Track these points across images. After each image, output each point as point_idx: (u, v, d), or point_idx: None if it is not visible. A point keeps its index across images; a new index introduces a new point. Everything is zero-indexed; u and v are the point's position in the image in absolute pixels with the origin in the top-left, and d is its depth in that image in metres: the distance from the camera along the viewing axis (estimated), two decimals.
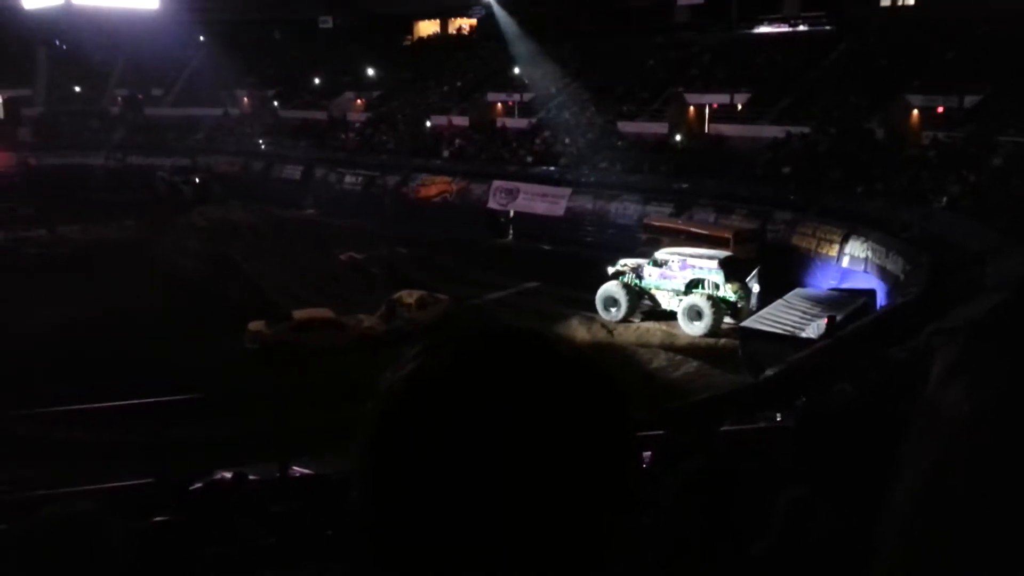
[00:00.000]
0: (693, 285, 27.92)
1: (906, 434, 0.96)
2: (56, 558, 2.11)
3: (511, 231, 41.15)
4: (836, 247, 30.09)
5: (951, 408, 0.91)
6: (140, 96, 61.39)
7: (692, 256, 28.41)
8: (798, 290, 27.39)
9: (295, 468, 13.07)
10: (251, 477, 10.96)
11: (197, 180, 50.68)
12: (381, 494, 0.90)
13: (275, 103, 59.02)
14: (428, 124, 50.83)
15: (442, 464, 0.87)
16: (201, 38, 61.55)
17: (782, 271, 29.23)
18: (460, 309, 28.23)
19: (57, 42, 61.14)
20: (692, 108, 44.77)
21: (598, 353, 25.38)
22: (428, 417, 0.89)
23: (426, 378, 0.92)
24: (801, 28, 44.27)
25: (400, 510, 0.89)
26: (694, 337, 27.01)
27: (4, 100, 59.66)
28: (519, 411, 0.89)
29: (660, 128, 43.17)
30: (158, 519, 8.74)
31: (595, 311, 28.73)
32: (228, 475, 11.14)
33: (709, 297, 27.49)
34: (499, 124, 48.95)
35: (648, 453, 7.80)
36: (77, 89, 60.79)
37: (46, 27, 57.64)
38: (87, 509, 2.29)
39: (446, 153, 47.33)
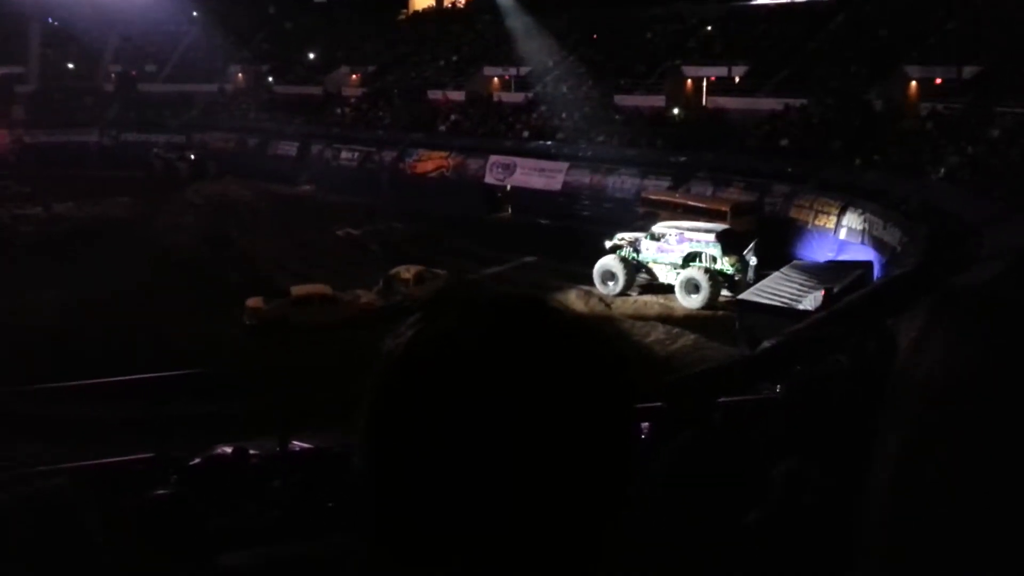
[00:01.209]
0: (690, 258, 27.95)
1: (882, 402, 0.97)
2: (27, 534, 2.08)
3: (508, 206, 41.07)
4: (833, 219, 30.05)
5: (925, 376, 0.93)
6: (134, 73, 60.92)
7: (689, 229, 28.42)
8: (795, 262, 27.42)
9: (295, 442, 13.12)
10: (251, 452, 10.96)
11: (192, 157, 50.55)
12: (382, 462, 0.90)
13: (270, 78, 58.67)
14: (425, 98, 50.59)
15: (442, 431, 0.87)
16: (195, 13, 61.00)
17: (779, 243, 29.28)
18: (456, 283, 28.24)
19: (50, 18, 60.66)
20: (689, 81, 44.56)
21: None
22: (428, 384, 0.89)
23: (425, 345, 0.92)
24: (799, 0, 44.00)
25: (401, 477, 0.89)
26: (691, 310, 27.10)
27: None
28: (520, 377, 0.88)
29: (657, 101, 42.99)
30: (158, 492, 8.76)
31: (593, 285, 28.77)
32: (228, 450, 11.14)
33: (706, 270, 27.52)
34: (496, 98, 48.73)
35: (645, 425, 7.78)
36: (70, 66, 60.42)
37: (39, 3, 57.18)
38: (59, 486, 2.29)
39: (442, 128, 47.14)
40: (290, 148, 50.33)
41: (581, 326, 0.95)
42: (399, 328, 0.95)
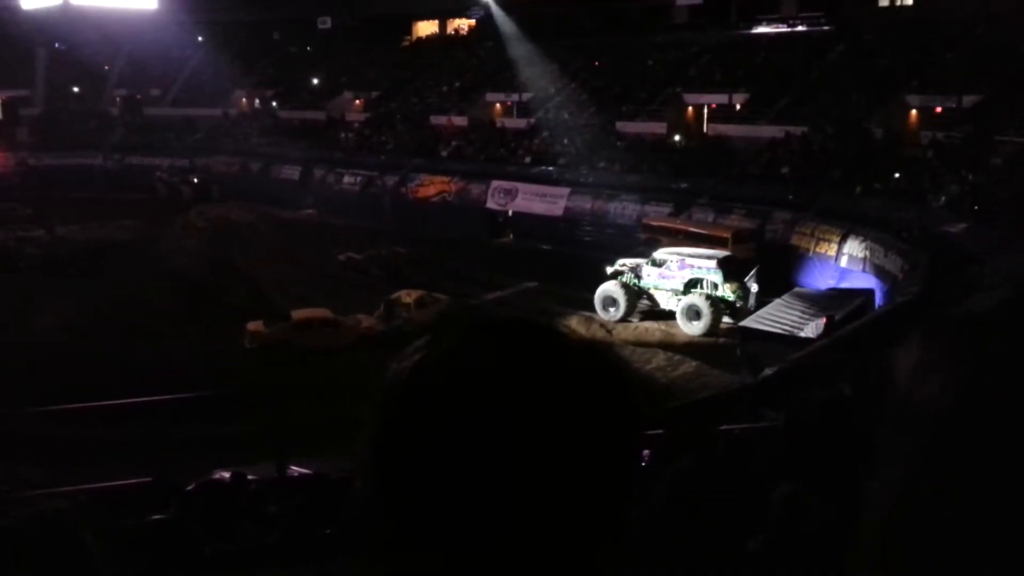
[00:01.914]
0: (692, 285, 27.94)
1: (881, 428, 0.97)
2: (27, 558, 2.08)
3: (510, 231, 41.13)
4: (835, 246, 30.10)
5: (930, 402, 0.93)
6: (139, 96, 61.34)
7: (691, 256, 28.41)
8: (796, 290, 27.40)
9: (293, 468, 13.08)
10: (249, 477, 10.96)
11: (195, 180, 50.68)
12: (387, 486, 0.90)
13: (274, 103, 58.97)
14: (428, 123, 50.82)
15: (446, 453, 0.87)
16: (200, 38, 61.50)
17: (781, 271, 29.24)
18: (457, 308, 28.22)
19: (56, 42, 61.08)
20: (691, 108, 44.76)
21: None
22: (433, 408, 0.88)
23: (431, 368, 0.91)
24: (799, 28, 44.30)
25: (405, 500, 0.88)
26: (693, 337, 27.04)
27: (3, 100, 59.46)
28: (524, 400, 0.88)
29: (659, 128, 43.15)
30: (155, 518, 8.74)
31: (594, 311, 28.75)
32: (226, 475, 11.18)
33: (708, 297, 27.50)
34: (498, 124, 48.90)
35: (646, 452, 7.84)
36: (76, 89, 60.73)
37: (45, 27, 57.57)
38: (62, 509, 2.29)
39: (445, 153, 47.31)
40: (293, 172, 50.47)
41: (587, 350, 0.95)
42: (404, 351, 0.95)
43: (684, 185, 37.26)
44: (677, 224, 33.86)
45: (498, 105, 51.07)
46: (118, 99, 61.54)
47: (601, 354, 0.95)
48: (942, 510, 0.89)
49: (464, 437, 0.86)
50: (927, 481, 0.91)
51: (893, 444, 0.95)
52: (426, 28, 63.08)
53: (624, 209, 37.96)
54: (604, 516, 0.91)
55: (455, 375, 0.89)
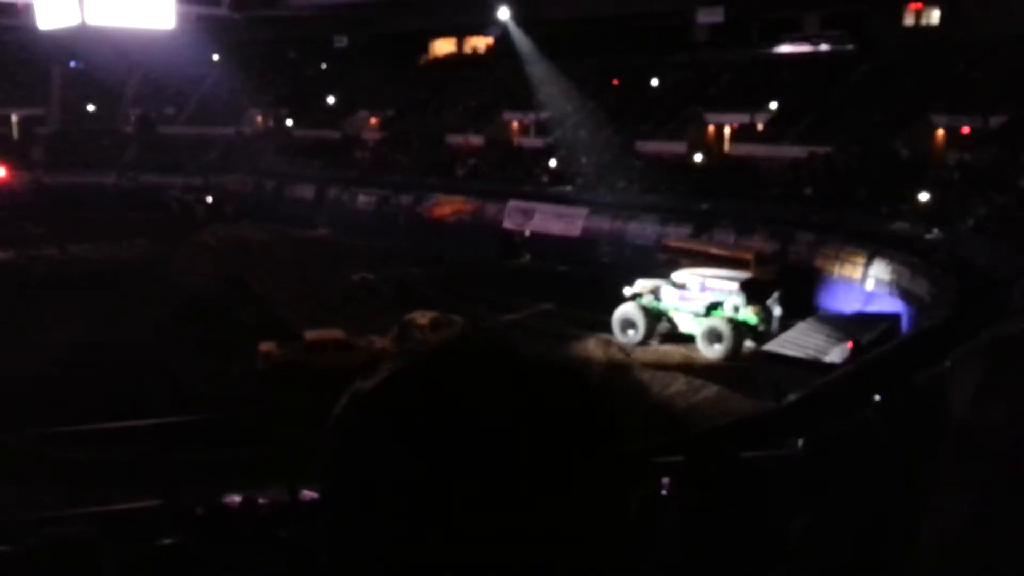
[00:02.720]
0: (712, 307, 27.43)
1: (934, 455, 0.94)
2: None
3: (527, 252, 40.76)
4: (860, 269, 29.50)
5: (992, 430, 0.90)
6: (153, 115, 61.62)
7: (712, 278, 27.92)
8: (820, 313, 26.91)
9: (305, 491, 12.77)
10: (260, 501, 10.78)
11: (209, 199, 50.71)
12: (341, 510, 0.87)
13: (289, 122, 59.05)
14: (444, 142, 50.69)
15: (400, 476, 0.84)
16: (215, 57, 61.68)
17: (804, 293, 28.73)
18: (472, 332, 27.79)
19: (71, 62, 61.46)
20: (711, 127, 44.41)
21: (608, 373, 25.02)
22: (387, 429, 0.85)
23: (387, 390, 0.88)
24: (823, 47, 43.89)
25: (358, 527, 0.85)
26: (713, 360, 26.48)
27: (19, 119, 60.13)
28: (482, 424, 0.84)
29: (679, 148, 42.83)
30: (165, 542, 8.48)
31: (612, 333, 28.27)
32: (237, 499, 10.94)
33: (729, 320, 26.98)
34: (515, 143, 48.71)
35: (666, 480, 7.63)
36: (91, 108, 61.15)
37: (61, 46, 57.86)
38: (81, 532, 2.37)
39: (461, 172, 47.06)
40: (307, 191, 50.44)
41: (553, 371, 0.90)
42: (371, 372, 0.92)
43: (705, 206, 36.81)
44: (698, 246, 33.29)
45: (515, 124, 50.93)
46: (133, 118, 61.90)
47: (568, 375, 0.91)
48: (1012, 540, 0.88)
49: (416, 461, 0.83)
50: (996, 510, 0.89)
51: (955, 471, 0.93)
52: (443, 47, 63.08)
53: (643, 230, 37.54)
54: (581, 549, 0.86)
55: (409, 398, 0.86)
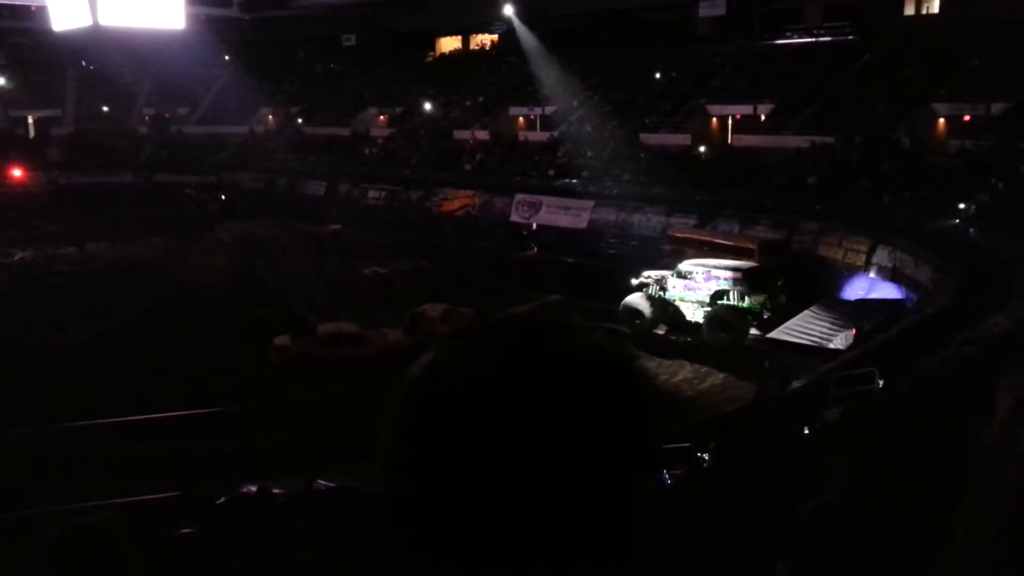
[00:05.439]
0: (718, 296, 27.76)
1: (976, 465, 0.95)
2: (72, 568, 2.18)
3: (534, 244, 41.11)
4: (863, 257, 29.79)
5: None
6: (167, 115, 62.03)
7: (716, 267, 28.24)
8: (824, 300, 27.14)
9: (320, 482, 13.09)
10: (276, 491, 10.98)
11: (223, 197, 51.05)
12: (395, 489, 0.90)
13: (299, 120, 59.43)
14: (451, 137, 50.99)
15: (459, 451, 0.87)
16: (226, 57, 62.11)
17: (808, 282, 28.98)
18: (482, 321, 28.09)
19: (85, 63, 61.90)
20: (715, 119, 44.62)
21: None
22: (445, 404, 0.89)
23: (443, 367, 0.92)
24: (824, 38, 44.04)
25: (420, 500, 0.88)
26: (719, 348, 26.82)
27: (34, 120, 60.43)
28: (532, 399, 0.88)
29: (683, 139, 43.05)
30: (184, 531, 8.78)
31: (619, 323, 28.61)
32: (253, 489, 11.19)
33: (734, 308, 27.31)
34: (521, 138, 48.99)
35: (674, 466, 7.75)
36: (105, 109, 61.55)
37: (75, 48, 58.34)
38: (103, 521, 2.39)
39: (468, 167, 47.41)
40: (318, 188, 50.84)
41: (597, 347, 0.94)
42: (422, 355, 0.96)
43: (709, 196, 37.09)
44: (702, 236, 33.65)
45: (521, 119, 51.17)
46: (147, 118, 62.29)
47: (611, 351, 0.95)
48: None
49: (473, 435, 0.87)
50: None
51: (983, 491, 0.94)
52: (449, 44, 63.35)
53: (648, 221, 37.87)
54: (617, 517, 0.90)
55: (463, 377, 0.90)
